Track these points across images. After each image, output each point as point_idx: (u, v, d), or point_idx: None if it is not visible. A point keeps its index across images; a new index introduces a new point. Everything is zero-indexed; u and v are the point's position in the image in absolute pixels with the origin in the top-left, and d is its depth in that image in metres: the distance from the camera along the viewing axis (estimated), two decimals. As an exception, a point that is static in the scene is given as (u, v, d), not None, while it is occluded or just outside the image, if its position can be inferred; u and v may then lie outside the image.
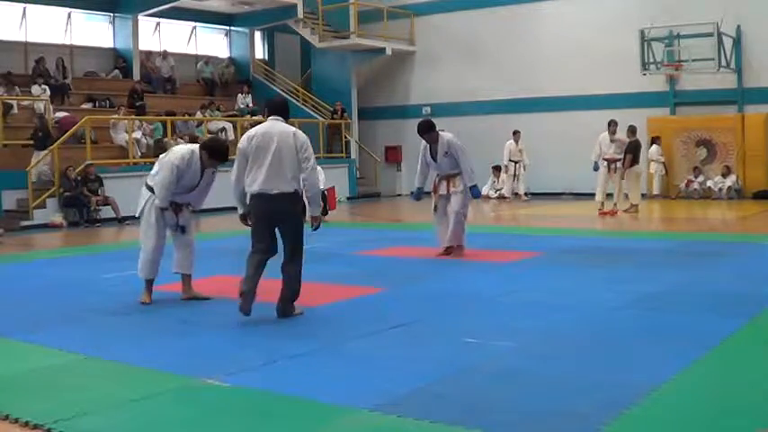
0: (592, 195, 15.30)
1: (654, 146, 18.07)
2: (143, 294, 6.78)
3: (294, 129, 6.04)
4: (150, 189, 6.75)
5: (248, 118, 20.74)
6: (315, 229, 6.14)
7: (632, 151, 14.66)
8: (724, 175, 17.67)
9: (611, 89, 19.08)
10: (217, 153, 6.59)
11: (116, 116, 17.28)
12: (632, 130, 15.03)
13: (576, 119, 19.30)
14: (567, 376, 4.27)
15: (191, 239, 6.89)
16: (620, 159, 14.56)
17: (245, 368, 4.55)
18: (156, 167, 6.77)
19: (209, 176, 6.73)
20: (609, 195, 14.82)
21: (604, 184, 14.72)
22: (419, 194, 9.61)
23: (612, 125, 14.71)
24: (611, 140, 14.62)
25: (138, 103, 18.54)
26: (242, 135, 20.05)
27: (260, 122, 20.16)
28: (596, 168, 14.87)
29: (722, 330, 5.18)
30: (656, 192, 18.06)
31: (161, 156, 6.90)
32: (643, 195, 16.44)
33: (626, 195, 15.07)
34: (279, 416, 3.80)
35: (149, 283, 6.81)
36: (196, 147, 6.71)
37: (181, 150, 6.70)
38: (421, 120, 9.73)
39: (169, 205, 6.63)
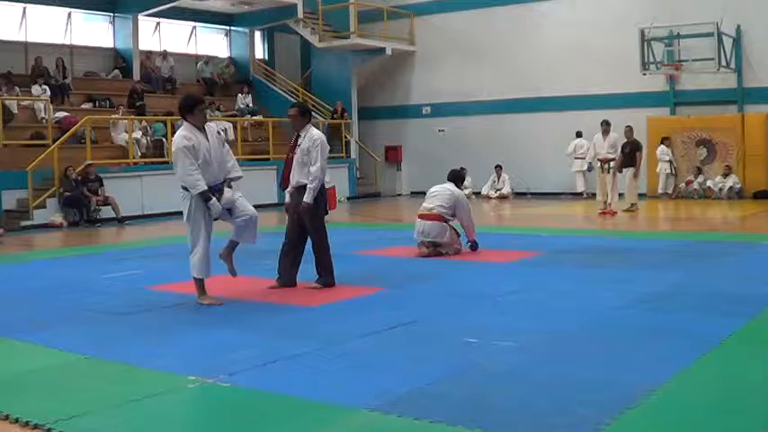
0: (592, 195, 15.31)
1: (661, 146, 18.08)
2: (201, 296, 6.52)
3: None
4: (185, 188, 6.40)
5: (248, 118, 20.77)
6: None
7: (634, 150, 14.68)
8: (724, 175, 17.68)
9: (611, 89, 19.10)
10: (186, 108, 6.32)
11: (116, 116, 17.28)
12: (631, 130, 15.07)
13: (576, 119, 19.30)
14: (567, 376, 4.26)
15: (250, 208, 6.55)
16: (613, 159, 14.53)
17: (245, 368, 4.55)
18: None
19: (216, 138, 6.39)
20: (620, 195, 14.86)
21: (603, 184, 14.73)
22: None
23: (605, 125, 14.69)
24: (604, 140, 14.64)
25: (138, 103, 18.55)
26: (242, 135, 19.84)
27: (261, 122, 19.96)
28: (590, 169, 14.88)
29: (722, 330, 5.17)
30: (660, 191, 18.04)
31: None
32: (642, 195, 16.46)
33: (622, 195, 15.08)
34: (279, 416, 3.80)
35: (202, 282, 6.54)
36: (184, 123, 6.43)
37: (176, 136, 6.40)
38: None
39: (210, 192, 6.31)
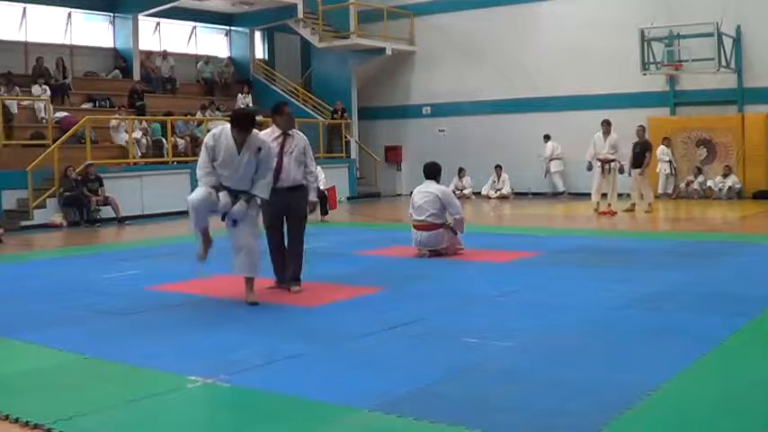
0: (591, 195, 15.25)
1: (661, 146, 18.07)
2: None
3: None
4: None
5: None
6: None
7: (644, 151, 14.67)
8: (724, 176, 17.67)
9: (611, 89, 19.09)
10: (234, 120, 6.28)
11: (117, 116, 17.28)
12: (643, 130, 15.07)
13: (577, 119, 19.29)
14: (566, 376, 4.26)
15: (245, 239, 6.37)
16: (613, 160, 14.42)
17: (245, 368, 4.55)
18: None
19: (252, 155, 6.25)
20: (605, 195, 14.76)
21: (599, 184, 14.65)
22: None
23: (605, 125, 14.58)
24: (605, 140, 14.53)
25: (138, 103, 18.55)
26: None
27: (261, 122, 20.00)
28: (590, 168, 14.79)
29: (722, 330, 5.17)
30: (660, 191, 18.02)
31: None
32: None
33: (640, 196, 15.04)
34: (279, 416, 3.80)
35: (201, 234, 6.50)
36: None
37: (213, 129, 6.52)
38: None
39: (220, 186, 6.28)
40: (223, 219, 6.43)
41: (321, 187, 14.73)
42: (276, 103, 7.24)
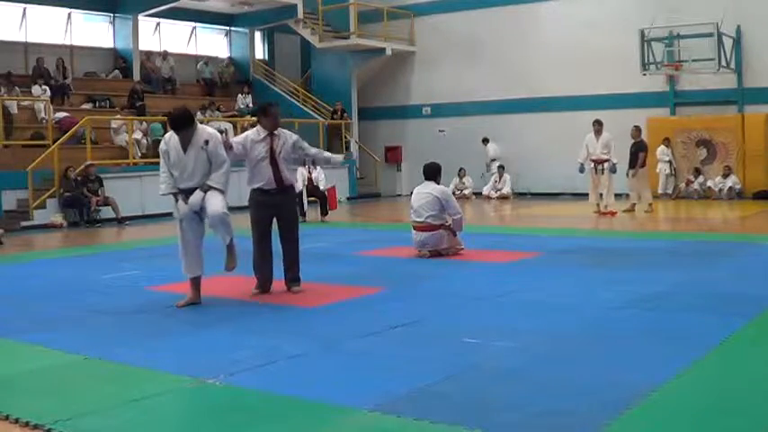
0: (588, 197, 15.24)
1: (661, 146, 18.07)
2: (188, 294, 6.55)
3: None
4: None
5: (248, 118, 20.77)
6: None
7: (638, 151, 14.67)
8: (724, 176, 17.68)
9: (611, 89, 19.10)
10: (168, 122, 6.36)
11: (118, 117, 17.28)
12: (638, 130, 15.06)
13: (576, 119, 19.26)
14: (567, 376, 4.26)
15: (214, 210, 6.25)
16: (607, 160, 14.38)
17: (245, 368, 4.55)
18: None
19: (199, 150, 6.23)
20: (602, 196, 14.73)
21: (595, 185, 14.61)
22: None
23: (597, 125, 14.49)
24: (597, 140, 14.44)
25: (138, 104, 18.56)
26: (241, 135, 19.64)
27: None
28: (582, 170, 14.74)
29: (722, 330, 5.17)
30: (660, 191, 18.01)
31: None
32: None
33: (637, 196, 15.02)
34: (279, 416, 3.80)
35: (192, 281, 6.56)
36: None
37: (165, 135, 6.56)
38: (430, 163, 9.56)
39: (178, 192, 6.38)
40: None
41: (321, 187, 14.77)
42: (261, 104, 7.14)
